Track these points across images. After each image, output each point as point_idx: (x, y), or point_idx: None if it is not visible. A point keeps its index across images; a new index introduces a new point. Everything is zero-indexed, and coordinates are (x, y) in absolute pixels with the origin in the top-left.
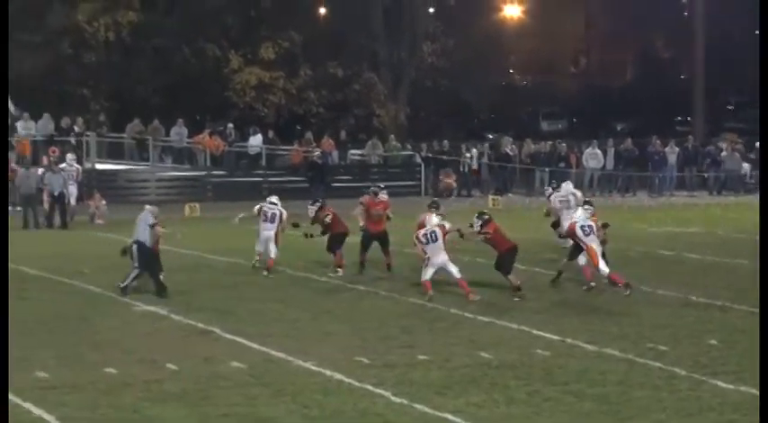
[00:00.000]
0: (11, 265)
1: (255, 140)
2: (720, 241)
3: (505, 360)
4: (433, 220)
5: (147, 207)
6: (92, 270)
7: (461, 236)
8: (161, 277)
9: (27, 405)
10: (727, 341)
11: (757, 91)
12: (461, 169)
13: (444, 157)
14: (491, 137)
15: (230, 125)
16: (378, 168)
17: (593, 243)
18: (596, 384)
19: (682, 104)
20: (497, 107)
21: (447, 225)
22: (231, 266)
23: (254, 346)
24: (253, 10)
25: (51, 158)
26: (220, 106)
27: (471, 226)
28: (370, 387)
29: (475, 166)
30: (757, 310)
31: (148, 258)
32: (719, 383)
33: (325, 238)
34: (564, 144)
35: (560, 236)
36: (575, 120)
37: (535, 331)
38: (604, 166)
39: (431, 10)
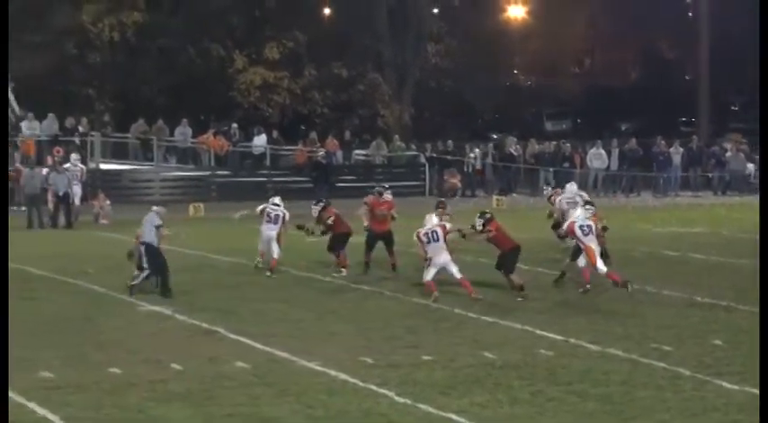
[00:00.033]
0: (15, 265)
1: (260, 140)
2: (725, 241)
3: (509, 360)
4: (434, 219)
5: (154, 208)
6: (96, 270)
7: (463, 236)
8: (165, 279)
9: (31, 405)
10: (732, 341)
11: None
12: (465, 169)
13: (448, 158)
14: (495, 137)
15: (234, 125)
16: (382, 168)
17: (592, 243)
18: (600, 384)
19: (686, 105)
20: (501, 107)
21: (448, 225)
22: (235, 266)
23: (259, 346)
24: (257, 10)
25: (56, 158)
26: (225, 106)
27: (472, 227)
28: (374, 387)
29: (478, 167)
30: None
31: (157, 259)
32: (724, 384)
33: (326, 237)
34: (568, 144)
35: (560, 237)
36: (579, 120)
37: (539, 331)
38: (608, 167)
39: (435, 11)
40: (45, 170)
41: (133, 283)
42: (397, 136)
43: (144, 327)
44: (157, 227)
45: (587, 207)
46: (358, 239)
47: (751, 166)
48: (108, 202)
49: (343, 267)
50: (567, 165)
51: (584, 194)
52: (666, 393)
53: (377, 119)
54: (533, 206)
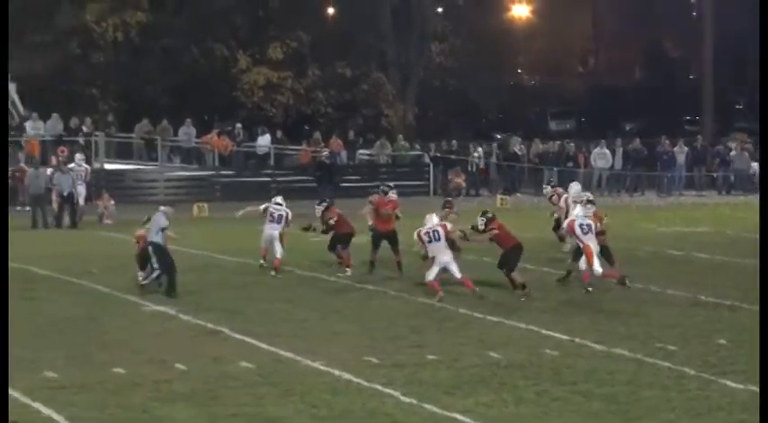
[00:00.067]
0: (19, 265)
1: (264, 140)
2: (729, 241)
3: (514, 360)
4: (434, 219)
5: (162, 208)
6: (100, 270)
7: (466, 238)
8: (172, 279)
9: (36, 405)
10: (737, 341)
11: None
12: (469, 169)
13: (452, 157)
14: (499, 137)
15: (238, 125)
16: (386, 168)
17: (591, 242)
18: (605, 384)
19: (690, 104)
20: (506, 107)
21: (449, 225)
22: (240, 266)
23: (263, 346)
24: (261, 10)
25: (60, 158)
26: (229, 106)
27: (473, 228)
28: (378, 387)
29: (482, 166)
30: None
31: (166, 259)
32: (729, 383)
33: (327, 236)
34: (572, 144)
35: (561, 239)
36: (583, 119)
37: (544, 331)
38: (613, 166)
39: (439, 10)
40: (49, 170)
41: (144, 282)
42: (401, 135)
43: (148, 327)
44: (162, 229)
45: (588, 205)
46: (361, 239)
47: (755, 166)
48: (112, 202)
49: (348, 267)
50: (571, 164)
51: (588, 194)
52: (671, 393)
53: (381, 118)
54: (537, 206)
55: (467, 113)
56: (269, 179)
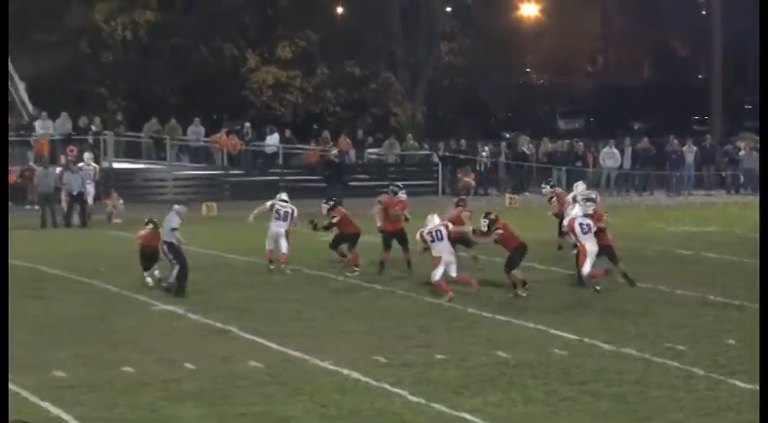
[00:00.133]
0: (28, 265)
1: (272, 139)
2: (738, 240)
3: (523, 359)
4: (435, 219)
5: (176, 207)
6: (109, 269)
7: (474, 235)
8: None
9: (45, 404)
10: (746, 341)
11: None
12: (478, 168)
13: (461, 157)
14: (508, 136)
15: (247, 124)
16: (395, 167)
17: (588, 241)
18: (613, 384)
19: (699, 103)
20: (514, 106)
21: (450, 225)
22: (249, 266)
23: (272, 345)
24: (270, 9)
25: (69, 158)
26: (237, 105)
27: (474, 231)
28: (387, 386)
29: (489, 165)
30: None
31: (180, 258)
32: (737, 383)
33: (329, 234)
34: (581, 143)
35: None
36: (592, 119)
37: (552, 330)
38: (621, 166)
39: (448, 9)
40: (58, 169)
41: (168, 282)
42: (410, 135)
43: (157, 326)
44: (172, 229)
45: (588, 203)
46: (369, 239)
47: None
48: (121, 201)
49: (356, 266)
50: (579, 164)
51: (589, 192)
52: (680, 393)
53: (390, 118)
54: (546, 205)
55: (476, 113)
56: (278, 178)
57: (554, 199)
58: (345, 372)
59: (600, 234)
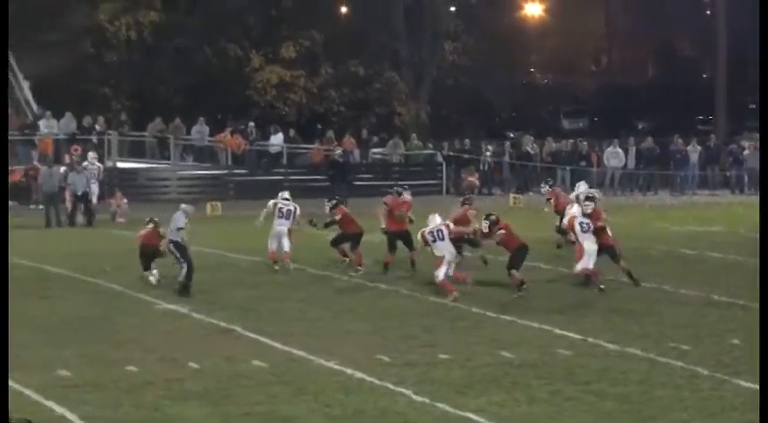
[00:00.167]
0: (33, 264)
1: (276, 139)
2: (743, 240)
3: (527, 359)
4: (437, 219)
5: (183, 206)
6: (113, 268)
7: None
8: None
9: (49, 403)
10: (750, 340)
11: None
12: (482, 168)
13: (465, 156)
14: (512, 135)
15: (251, 124)
16: (399, 167)
17: (587, 241)
18: (618, 384)
19: (703, 103)
20: (518, 105)
21: (451, 225)
22: (253, 265)
23: (276, 344)
24: (274, 9)
25: (73, 157)
26: (241, 105)
27: (475, 231)
28: (391, 386)
29: (491, 164)
30: None
31: (187, 255)
32: (742, 383)
33: (329, 232)
34: (585, 143)
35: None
36: (596, 118)
37: (557, 330)
38: (626, 165)
39: (452, 8)
40: (63, 169)
41: (182, 280)
42: (414, 134)
43: (161, 325)
44: (178, 229)
45: (587, 203)
46: (373, 238)
47: None
48: (125, 200)
49: (360, 266)
50: (583, 163)
51: (589, 191)
52: (684, 392)
53: (394, 117)
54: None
55: (480, 112)
56: (282, 178)
57: (552, 199)
58: (349, 371)
59: (599, 233)
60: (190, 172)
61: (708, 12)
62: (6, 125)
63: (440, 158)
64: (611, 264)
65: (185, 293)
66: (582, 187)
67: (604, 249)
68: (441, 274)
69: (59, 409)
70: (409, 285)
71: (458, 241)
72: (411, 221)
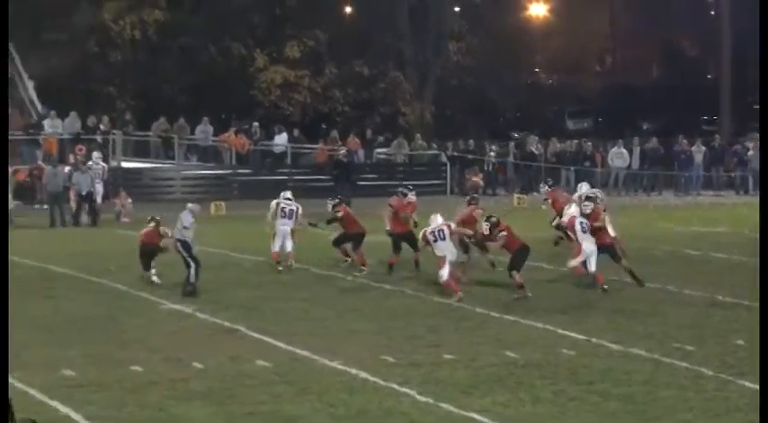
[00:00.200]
0: (37, 264)
1: (281, 139)
2: (747, 241)
3: (531, 359)
4: (438, 219)
5: (189, 205)
6: (118, 268)
7: (473, 242)
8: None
9: (54, 403)
10: (754, 341)
11: None
12: (486, 168)
13: (469, 156)
14: (516, 135)
15: (256, 124)
16: (403, 167)
17: (586, 241)
18: (622, 384)
19: (708, 103)
20: (523, 106)
21: (453, 225)
22: (257, 265)
23: (280, 344)
24: (278, 9)
25: (78, 157)
26: (246, 105)
27: (476, 233)
28: (395, 386)
29: (496, 164)
30: None
31: (194, 254)
32: (746, 384)
33: (330, 232)
34: (589, 143)
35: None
36: (600, 119)
37: (561, 331)
38: (630, 165)
39: (456, 9)
40: (67, 168)
41: (191, 283)
42: (418, 134)
43: (165, 325)
44: (185, 228)
45: (586, 203)
46: (377, 238)
47: None
48: (129, 200)
49: (363, 266)
50: (588, 164)
51: (590, 191)
52: (689, 393)
53: (398, 117)
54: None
55: (484, 112)
56: (286, 178)
57: (550, 200)
58: (354, 371)
59: (598, 233)
60: (194, 172)
61: (712, 12)
62: (6, 125)
63: (444, 158)
64: (611, 264)
65: (193, 295)
66: (584, 188)
67: (604, 249)
68: (444, 274)
69: (64, 409)
70: (414, 285)
71: (465, 243)
72: (416, 225)
